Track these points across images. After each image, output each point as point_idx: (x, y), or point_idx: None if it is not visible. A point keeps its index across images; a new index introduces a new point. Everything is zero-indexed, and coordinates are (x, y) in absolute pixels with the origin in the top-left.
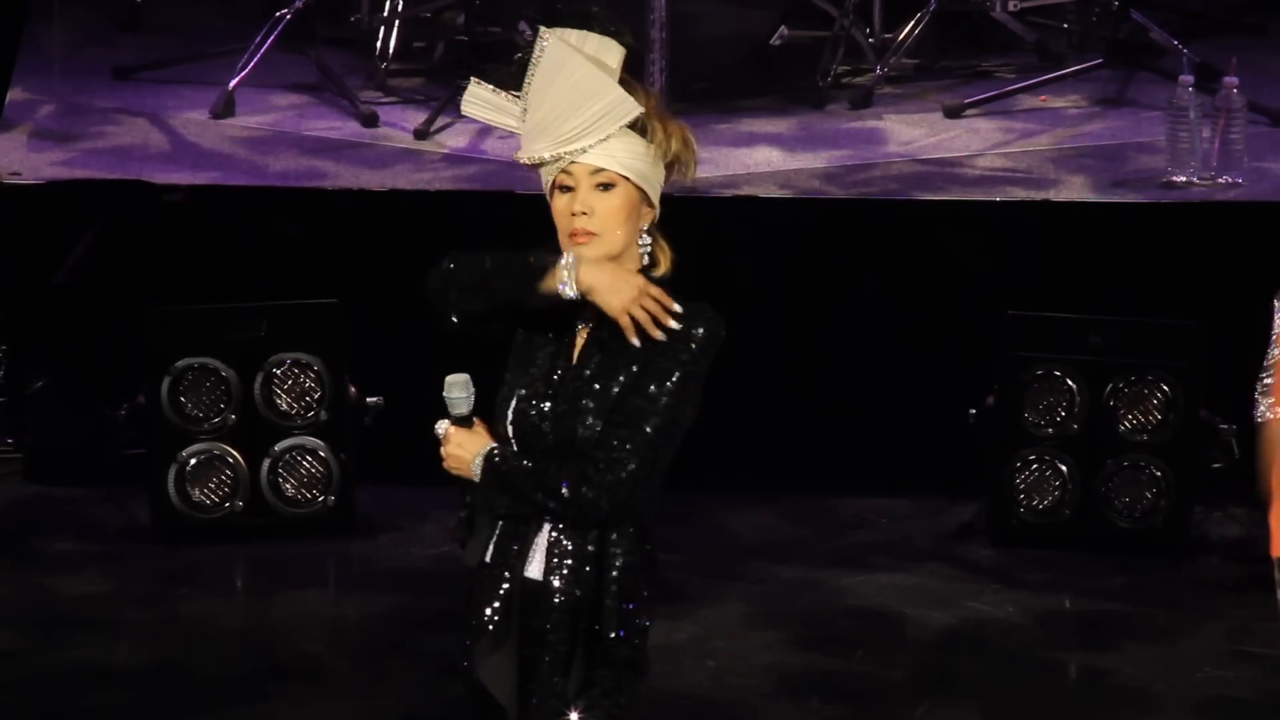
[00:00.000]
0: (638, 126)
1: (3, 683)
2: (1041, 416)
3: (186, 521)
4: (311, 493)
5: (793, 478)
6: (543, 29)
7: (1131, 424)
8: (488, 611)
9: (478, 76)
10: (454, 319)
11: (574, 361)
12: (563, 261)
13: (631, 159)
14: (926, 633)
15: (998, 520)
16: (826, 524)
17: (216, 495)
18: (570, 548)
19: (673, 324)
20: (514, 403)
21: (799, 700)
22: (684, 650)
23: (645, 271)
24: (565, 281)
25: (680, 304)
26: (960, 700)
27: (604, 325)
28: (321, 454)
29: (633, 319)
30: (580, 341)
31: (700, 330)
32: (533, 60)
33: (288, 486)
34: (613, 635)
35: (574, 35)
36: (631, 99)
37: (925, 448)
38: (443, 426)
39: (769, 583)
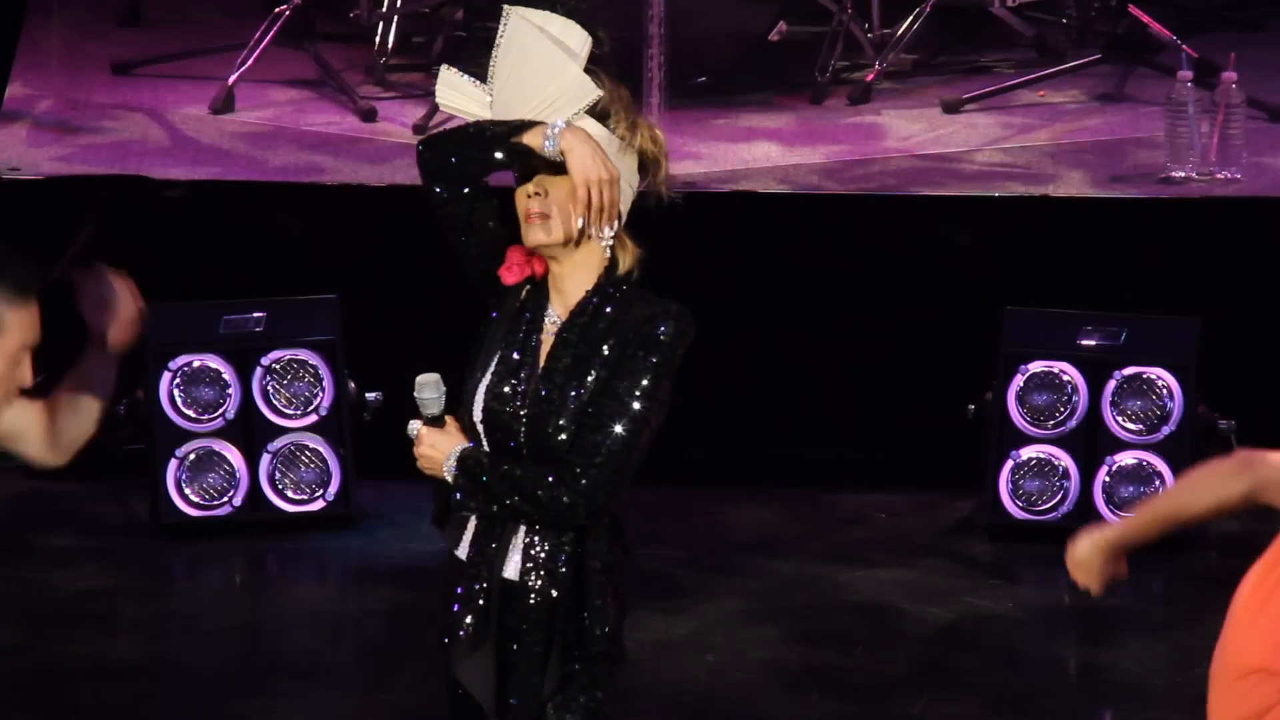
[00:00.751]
0: (602, 116)
1: (1, 677)
2: (1040, 412)
3: (185, 517)
4: (310, 488)
5: (791, 473)
6: (506, 6)
7: (1130, 419)
8: (466, 612)
9: (467, 70)
10: (442, 175)
11: (543, 362)
12: (556, 120)
13: None
14: (925, 628)
15: (996, 516)
16: (825, 519)
17: (215, 491)
18: (547, 548)
19: (607, 231)
20: (481, 399)
21: (798, 695)
22: (682, 645)
23: (606, 270)
24: (550, 137)
25: (651, 302)
26: (959, 695)
27: (571, 326)
28: (320, 450)
29: (588, 201)
30: (548, 341)
31: (669, 330)
32: (496, 39)
33: (286, 482)
34: (590, 633)
35: (537, 15)
36: (590, 81)
37: (923, 443)
38: (415, 427)
39: (767, 578)
